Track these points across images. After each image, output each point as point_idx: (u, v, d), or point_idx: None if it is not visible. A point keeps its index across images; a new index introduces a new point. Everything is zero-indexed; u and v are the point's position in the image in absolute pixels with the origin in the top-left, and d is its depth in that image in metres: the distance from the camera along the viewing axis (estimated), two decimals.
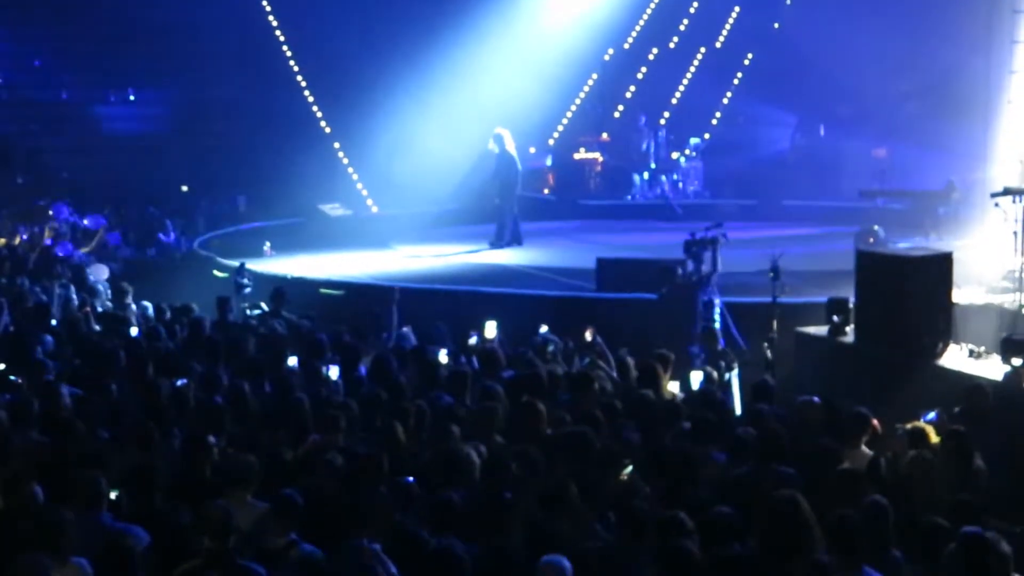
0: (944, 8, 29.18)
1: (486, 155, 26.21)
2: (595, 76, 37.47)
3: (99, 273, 22.55)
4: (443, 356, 14.82)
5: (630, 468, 10.13)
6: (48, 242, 27.83)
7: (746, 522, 9.00)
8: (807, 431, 11.83)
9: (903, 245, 20.10)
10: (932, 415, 11.83)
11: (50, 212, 30.65)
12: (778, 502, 8.79)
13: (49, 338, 15.85)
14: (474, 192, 29.22)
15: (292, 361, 14.67)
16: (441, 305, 19.73)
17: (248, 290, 20.68)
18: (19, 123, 37.57)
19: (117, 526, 9.17)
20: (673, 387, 14.29)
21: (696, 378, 14.26)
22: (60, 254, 26.00)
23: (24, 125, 37.65)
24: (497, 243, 26.22)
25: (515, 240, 26.41)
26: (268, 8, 36.41)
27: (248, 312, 19.37)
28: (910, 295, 16.09)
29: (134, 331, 16.77)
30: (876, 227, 23.92)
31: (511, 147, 26.08)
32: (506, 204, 26.42)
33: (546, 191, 35.74)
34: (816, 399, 12.62)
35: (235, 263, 22.39)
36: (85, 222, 30.27)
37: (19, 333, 16.32)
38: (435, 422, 11.74)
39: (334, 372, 13.76)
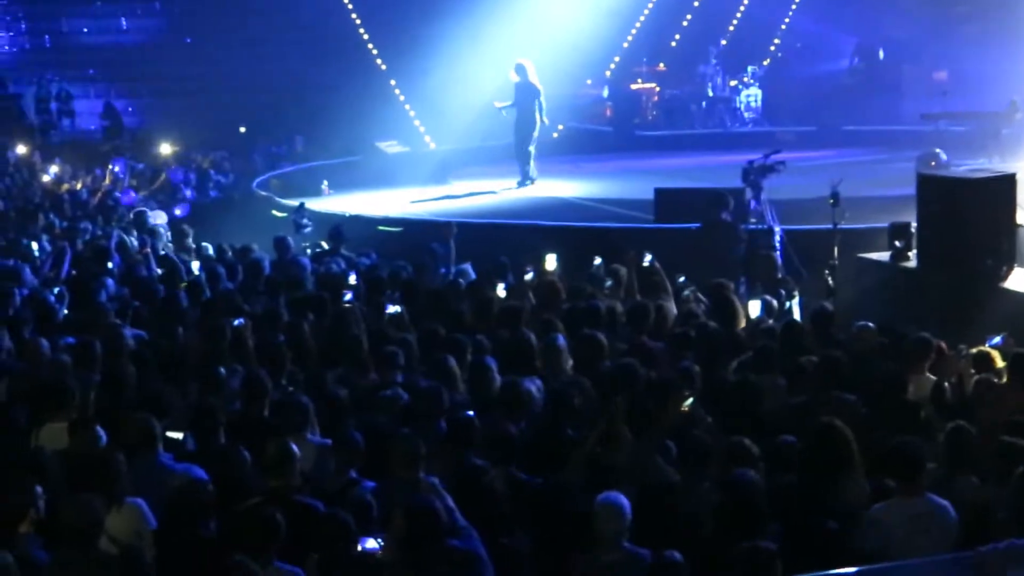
0: None
1: (508, 87, 25.35)
2: (651, 5, 37.16)
3: (157, 218, 22.63)
4: (500, 290, 14.77)
5: (691, 400, 10.06)
6: (109, 187, 27.96)
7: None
8: (865, 356, 11.75)
9: (965, 167, 19.83)
10: (997, 339, 11.68)
11: (112, 156, 30.87)
12: (817, 428, 8.78)
13: (111, 281, 15.92)
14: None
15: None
16: (499, 239, 19.68)
17: (308, 230, 20.71)
18: (79, 68, 37.82)
19: (175, 467, 9.21)
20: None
21: (754, 307, 14.15)
22: (123, 202, 26.09)
23: (83, 71, 37.91)
24: (524, 181, 25.40)
25: (526, 176, 25.40)
26: None
27: (307, 251, 19.39)
28: (973, 218, 15.89)
29: (195, 271, 16.81)
30: (938, 150, 23.65)
31: (534, 78, 25.09)
32: (523, 138, 25.29)
33: (605, 120, 35.57)
34: (871, 325, 12.53)
35: (294, 203, 22.42)
36: (165, 171, 30.45)
37: (81, 276, 16.39)
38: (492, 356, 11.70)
39: (394, 309, 13.71)
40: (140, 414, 9.62)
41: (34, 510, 8.04)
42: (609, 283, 15.07)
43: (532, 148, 25.21)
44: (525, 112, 24.95)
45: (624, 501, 8.13)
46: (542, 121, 24.94)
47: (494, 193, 24.99)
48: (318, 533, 8.09)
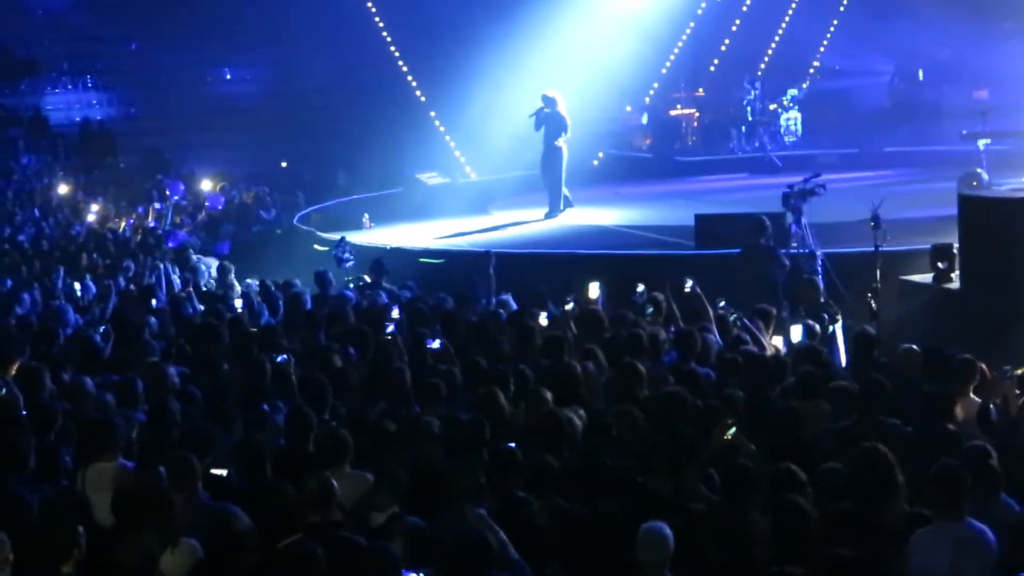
0: None
1: (542, 115, 25.14)
2: (689, 30, 37.18)
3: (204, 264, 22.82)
4: (543, 319, 14.76)
5: (734, 429, 10.03)
6: (152, 224, 28.14)
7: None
8: (909, 380, 11.70)
9: (1007, 187, 19.72)
10: None
11: (154, 193, 31.04)
12: (860, 453, 8.76)
13: (153, 320, 16.00)
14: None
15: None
16: (539, 269, 19.72)
17: (350, 263, 20.77)
18: (119, 107, 38.09)
19: (214, 505, 9.23)
20: (777, 341, 14.22)
21: (796, 332, 14.12)
22: (169, 245, 26.23)
23: (123, 109, 38.17)
24: (552, 213, 25.15)
25: (553, 208, 25.12)
26: None
27: (350, 284, 19.45)
28: (1016, 238, 15.81)
29: (238, 308, 16.88)
30: (979, 170, 23.52)
31: (563, 109, 24.95)
32: (552, 169, 25.06)
33: (643, 147, 35.60)
34: (915, 347, 12.48)
35: (335, 237, 22.49)
36: (206, 201, 30.61)
37: (125, 315, 16.48)
38: (534, 387, 11.70)
39: (435, 344, 13.73)
40: (179, 452, 9.65)
41: (77, 550, 8.07)
42: (651, 310, 15.05)
43: (563, 180, 25.15)
44: (552, 145, 24.92)
45: (666, 530, 8.09)
46: (564, 145, 24.85)
47: (534, 222, 24.97)
48: (364, 568, 8.08)
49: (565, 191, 25.13)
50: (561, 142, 24.74)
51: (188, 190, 32.83)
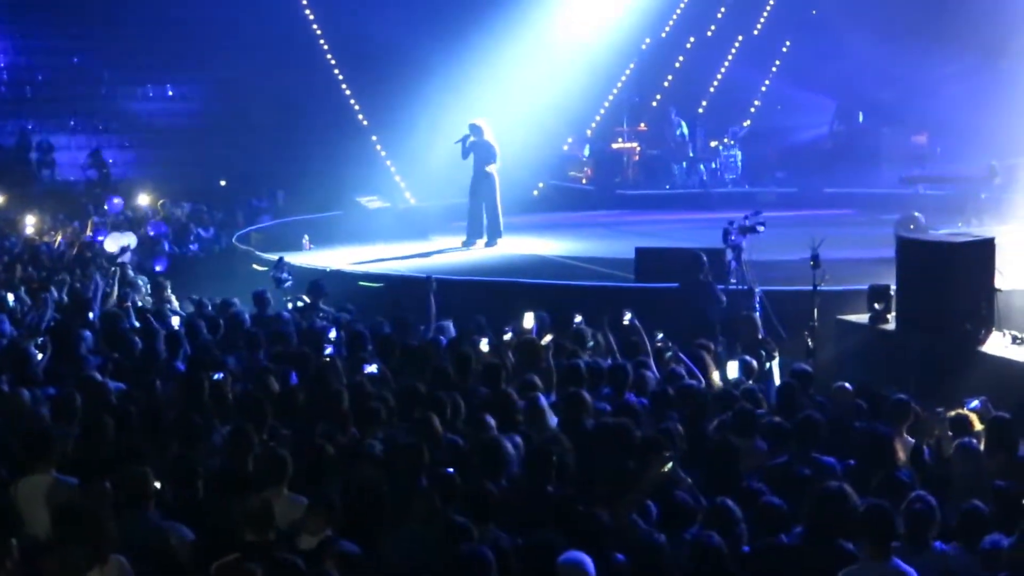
0: None
1: (469, 143, 24.80)
2: (632, 65, 37.37)
3: (119, 241, 22.69)
4: (484, 346, 14.76)
5: (671, 464, 10.07)
6: (88, 237, 27.94)
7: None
8: (842, 418, 11.81)
9: (944, 231, 19.95)
10: (975, 403, 11.74)
11: (90, 207, 30.88)
12: (825, 492, 8.79)
13: (88, 333, 15.88)
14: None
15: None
16: (479, 296, 19.74)
17: (288, 284, 20.69)
18: (59, 119, 37.83)
19: (163, 524, 9.17)
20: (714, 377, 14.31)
21: (732, 368, 14.21)
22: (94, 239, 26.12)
23: (63, 121, 37.92)
24: (469, 242, 25.27)
25: (492, 236, 25.16)
26: (304, 1, 36.45)
27: (288, 306, 19.38)
28: (952, 281, 15.99)
29: (174, 325, 16.78)
30: (917, 213, 23.77)
31: (490, 137, 24.96)
32: (478, 197, 25.14)
33: (584, 181, 35.73)
34: (848, 385, 12.61)
35: (274, 257, 22.41)
36: (151, 225, 30.43)
37: (61, 328, 16.35)
38: (472, 414, 11.71)
39: (372, 368, 13.70)
40: (139, 468, 9.57)
41: (9, 561, 7.98)
42: (591, 343, 15.11)
43: (499, 210, 25.15)
44: (480, 173, 24.97)
45: (586, 560, 8.06)
46: (495, 172, 24.92)
47: (472, 250, 24.99)
48: None
49: (500, 226, 25.17)
50: (491, 169, 24.77)
51: (125, 205, 32.65)
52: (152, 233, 29.63)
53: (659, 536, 8.88)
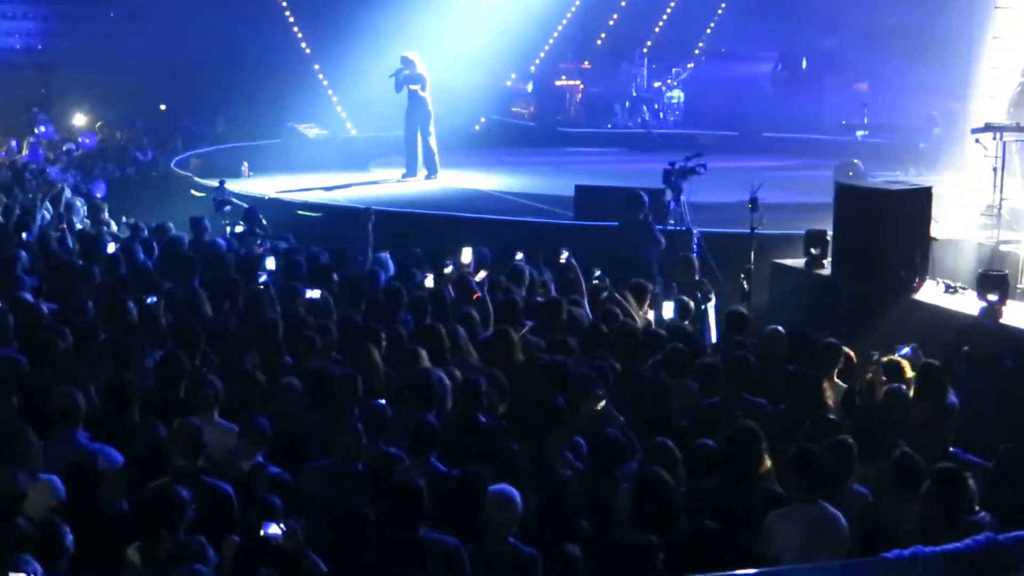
0: None
1: (402, 76, 24.83)
2: (578, 2, 37.24)
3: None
4: (429, 282, 14.72)
5: (604, 403, 10.11)
6: (25, 157, 27.67)
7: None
8: (774, 360, 11.88)
9: (882, 179, 20.04)
10: (906, 350, 11.82)
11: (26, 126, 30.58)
12: (735, 431, 8.89)
13: (24, 254, 15.76)
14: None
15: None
16: (417, 229, 19.71)
17: (228, 208, 20.58)
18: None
19: (91, 446, 9.13)
20: (649, 317, 14.33)
21: (668, 308, 14.25)
22: (35, 167, 25.89)
23: (3, 40, 37.47)
24: (408, 174, 25.23)
25: (431, 168, 25.18)
26: None
27: (228, 230, 19.29)
28: (888, 229, 16.06)
29: (110, 248, 16.66)
30: (856, 160, 23.91)
31: (422, 70, 24.95)
32: (414, 129, 25.08)
33: (526, 116, 35.64)
34: (781, 329, 12.67)
35: (213, 183, 22.27)
36: (80, 139, 30.13)
37: None
38: (404, 346, 11.70)
39: (314, 294, 13.66)
40: (65, 388, 9.52)
41: None
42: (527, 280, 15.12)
43: (433, 141, 25.09)
44: (414, 105, 24.89)
45: (514, 494, 8.11)
46: (428, 99, 24.85)
47: (412, 182, 24.92)
48: (228, 515, 8.08)
49: (436, 161, 25.11)
50: (423, 94, 24.71)
51: (60, 126, 32.34)
52: (84, 146, 29.31)
53: (588, 472, 8.94)
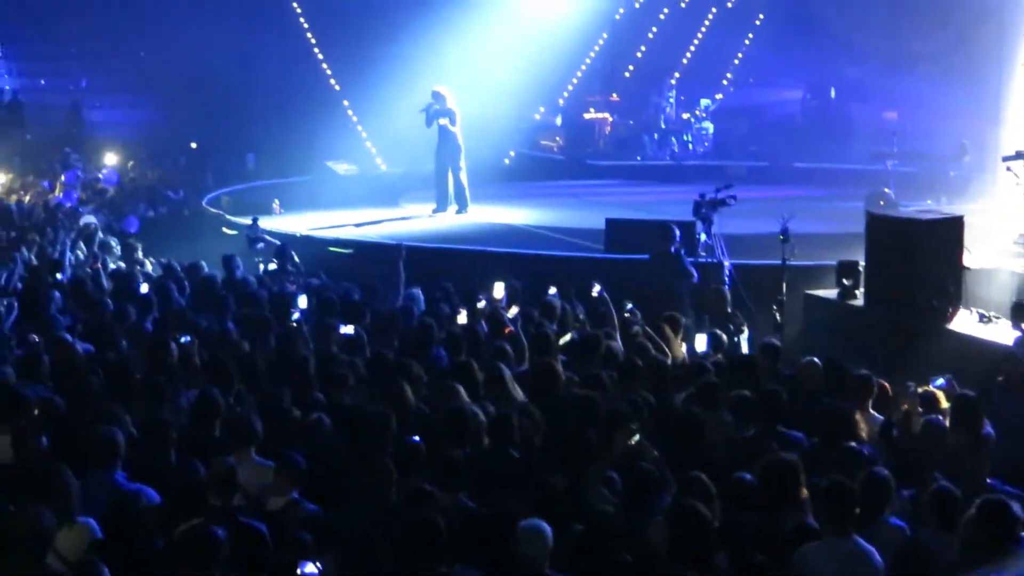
0: None
1: (433, 111, 24.82)
2: (606, 35, 37.34)
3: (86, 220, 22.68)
4: (462, 317, 14.73)
5: (637, 436, 10.09)
6: (58, 198, 27.81)
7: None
8: (810, 393, 11.85)
9: (913, 208, 20.01)
10: (941, 381, 11.78)
11: (58, 167, 30.73)
12: (769, 464, 8.84)
13: (57, 294, 15.84)
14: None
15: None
16: (448, 264, 19.74)
17: (261, 245, 20.65)
18: (28, 78, 37.56)
19: (129, 486, 9.16)
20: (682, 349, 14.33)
21: (701, 341, 14.22)
22: (67, 205, 26.05)
23: (33, 80, 37.65)
24: (439, 209, 25.25)
25: (461, 203, 25.15)
26: None
27: (260, 268, 19.36)
28: (920, 258, 16.05)
29: (144, 288, 16.73)
30: (887, 190, 23.86)
31: (453, 104, 24.91)
32: (445, 164, 25.10)
33: (555, 150, 35.71)
34: (817, 360, 12.62)
35: (244, 220, 22.35)
36: (101, 174, 30.27)
37: (30, 289, 16.30)
38: (440, 382, 11.71)
39: (348, 330, 13.70)
40: (106, 428, 9.55)
41: None
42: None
43: (464, 176, 25.10)
44: (445, 139, 24.91)
45: (545, 527, 8.09)
46: (458, 134, 24.85)
47: (442, 217, 24.96)
48: (263, 554, 8.07)
49: (467, 196, 25.18)
50: (454, 130, 24.73)
51: (92, 165, 32.50)
52: (105, 183, 29.45)
53: (610, 509, 8.92)
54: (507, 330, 13.93)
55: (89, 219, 23.37)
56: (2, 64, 38.19)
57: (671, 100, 35.65)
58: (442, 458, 9.43)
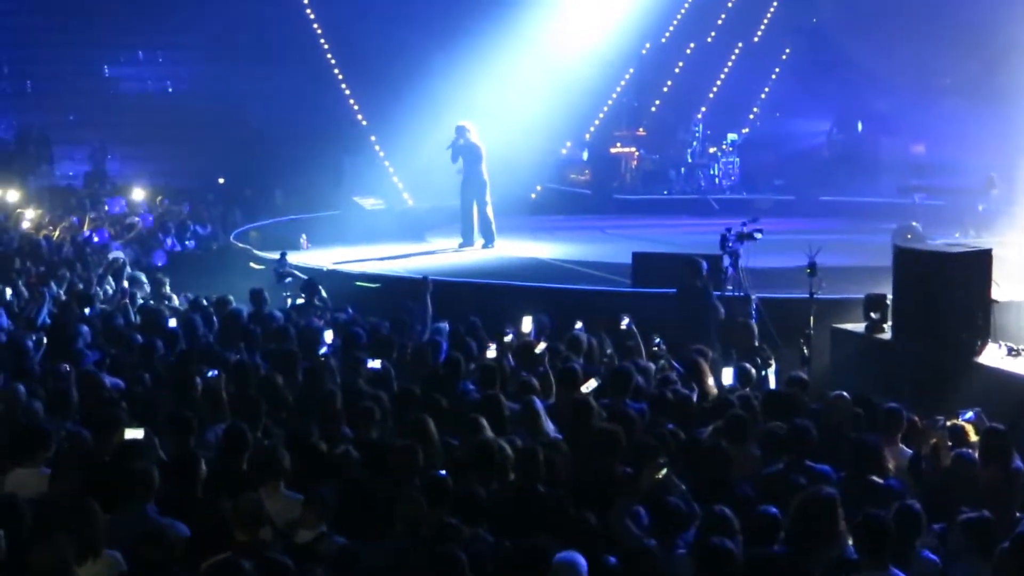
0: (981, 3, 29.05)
1: (457, 146, 24.90)
2: (632, 70, 37.42)
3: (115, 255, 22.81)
4: (492, 352, 14.72)
5: (665, 470, 10.06)
6: (87, 234, 27.93)
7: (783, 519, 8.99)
8: (838, 427, 11.81)
9: (941, 241, 19.96)
10: (969, 414, 11.73)
11: (87, 202, 30.90)
12: (808, 499, 8.80)
13: (86, 328, 15.90)
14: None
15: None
16: (475, 298, 19.75)
17: (289, 280, 20.69)
18: (59, 113, 37.79)
19: (160, 520, 9.17)
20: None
21: (727, 374, 14.18)
22: (97, 241, 26.19)
23: (63, 116, 37.88)
24: (465, 243, 25.32)
25: (488, 238, 25.24)
26: (306, 1, 36.44)
27: (288, 302, 19.40)
28: (948, 292, 15.98)
29: (172, 323, 16.78)
30: (914, 223, 23.81)
31: (476, 138, 24.94)
32: (468, 199, 25.20)
33: (582, 184, 35.77)
34: (846, 394, 12.58)
35: (272, 255, 22.42)
36: (137, 216, 30.42)
37: (59, 323, 16.37)
38: (466, 416, 11.71)
39: (375, 364, 13.71)
40: (141, 464, 9.57)
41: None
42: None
43: (489, 211, 25.15)
44: (470, 175, 24.96)
45: (580, 560, 8.08)
46: (486, 173, 24.93)
47: (468, 251, 24.99)
48: None
49: (494, 230, 25.22)
50: (479, 169, 24.80)
51: (121, 200, 32.69)
52: (141, 223, 29.59)
53: (649, 540, 8.89)
54: (535, 364, 13.91)
55: (117, 254, 23.49)
56: (32, 99, 38.43)
57: (698, 134, 35.72)
58: (468, 492, 9.41)
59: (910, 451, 11.23)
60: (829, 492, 8.93)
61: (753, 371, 14.45)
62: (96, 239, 26.47)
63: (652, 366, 14.53)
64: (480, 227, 25.12)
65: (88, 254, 24.50)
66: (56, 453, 10.47)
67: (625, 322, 15.36)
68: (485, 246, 25.03)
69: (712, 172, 35.05)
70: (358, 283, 21.95)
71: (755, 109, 39.12)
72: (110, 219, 30.06)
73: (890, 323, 16.67)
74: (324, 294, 19.37)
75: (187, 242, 29.64)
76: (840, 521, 8.74)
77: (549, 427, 11.82)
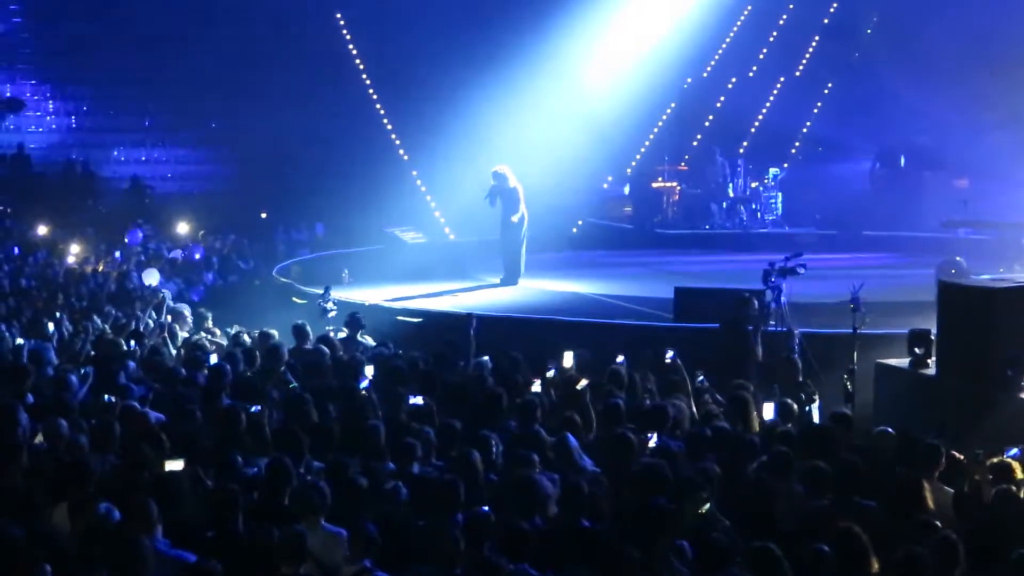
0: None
1: (495, 191, 24.88)
2: (674, 104, 37.44)
3: (150, 277, 22.88)
4: (536, 386, 14.70)
5: (708, 505, 10.04)
6: (132, 271, 28.08)
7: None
8: (883, 462, 11.74)
9: (986, 276, 19.85)
10: (1015, 451, 11.65)
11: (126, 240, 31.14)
12: (835, 533, 8.88)
13: (131, 363, 15.97)
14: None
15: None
16: (518, 333, 19.71)
17: (333, 314, 20.72)
18: (102, 149, 38.08)
19: (168, 552, 9.20)
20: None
21: (768, 410, 14.11)
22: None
23: (106, 152, 38.18)
24: (507, 280, 25.36)
25: (510, 276, 25.30)
26: (348, 36, 36.65)
27: (332, 336, 19.42)
28: (993, 327, 15.89)
29: (213, 358, 16.82)
30: (959, 258, 23.69)
31: (514, 183, 24.91)
32: (507, 241, 25.31)
33: (624, 217, 35.78)
34: (890, 430, 12.51)
35: (314, 290, 22.47)
36: (176, 254, 30.63)
37: (103, 358, 16.44)
38: (510, 451, 11.70)
39: (417, 400, 13.71)
40: (140, 496, 9.60)
41: None
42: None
43: (523, 249, 25.17)
44: (509, 212, 24.96)
45: None
46: (524, 218, 24.95)
47: (510, 287, 25.00)
48: None
49: (522, 267, 25.22)
50: (516, 218, 24.82)
51: (163, 235, 32.88)
52: (193, 255, 29.79)
53: None
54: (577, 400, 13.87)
55: (164, 291, 23.57)
56: (75, 135, 38.75)
57: (739, 169, 35.71)
58: (511, 527, 9.40)
59: (950, 489, 11.16)
60: (853, 528, 8.90)
61: (795, 406, 14.39)
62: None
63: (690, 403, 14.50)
64: (506, 265, 25.14)
65: (133, 289, 24.63)
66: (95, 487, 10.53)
67: (670, 355, 15.33)
68: (502, 283, 25.02)
69: (754, 207, 35.00)
70: (399, 318, 21.97)
71: (797, 143, 39.07)
72: (153, 255, 30.21)
73: (934, 358, 16.58)
74: (366, 328, 19.38)
75: (230, 276, 29.77)
76: (871, 557, 8.72)
77: (586, 463, 11.80)
